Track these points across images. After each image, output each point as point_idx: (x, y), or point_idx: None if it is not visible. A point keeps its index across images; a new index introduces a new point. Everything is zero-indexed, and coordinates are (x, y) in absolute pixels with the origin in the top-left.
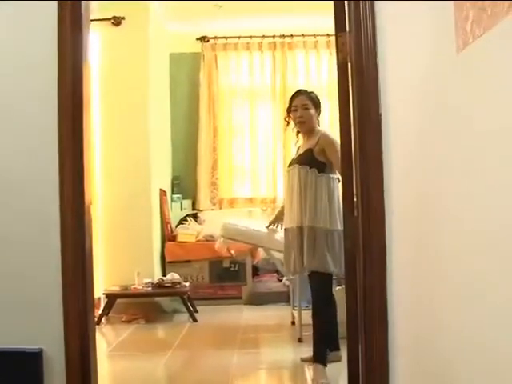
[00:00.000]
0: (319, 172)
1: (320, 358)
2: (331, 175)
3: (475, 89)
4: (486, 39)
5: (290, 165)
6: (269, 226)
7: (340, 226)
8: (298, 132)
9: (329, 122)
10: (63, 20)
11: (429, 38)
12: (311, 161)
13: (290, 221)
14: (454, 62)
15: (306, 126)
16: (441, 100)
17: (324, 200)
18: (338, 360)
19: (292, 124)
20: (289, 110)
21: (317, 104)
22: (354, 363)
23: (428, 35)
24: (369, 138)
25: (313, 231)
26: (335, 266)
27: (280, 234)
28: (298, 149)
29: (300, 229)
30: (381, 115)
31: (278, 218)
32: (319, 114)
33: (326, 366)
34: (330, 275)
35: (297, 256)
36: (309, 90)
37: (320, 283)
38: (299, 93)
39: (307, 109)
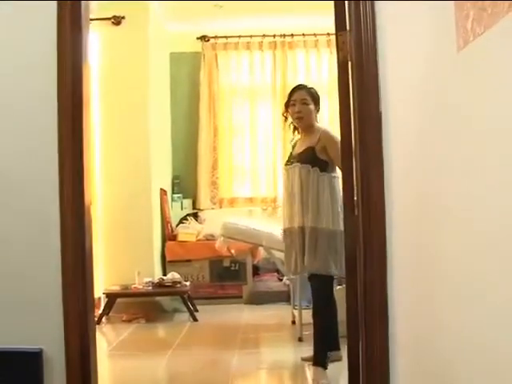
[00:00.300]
0: (321, 171)
1: (320, 360)
2: (333, 174)
3: (476, 87)
4: (487, 38)
5: (288, 162)
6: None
7: (342, 226)
8: (295, 128)
9: (328, 121)
10: (63, 20)
11: (429, 36)
12: (313, 159)
13: (290, 221)
14: (455, 60)
15: (305, 122)
16: (441, 99)
17: (326, 200)
18: (339, 359)
19: (289, 120)
20: (287, 105)
21: (316, 100)
22: (355, 361)
23: (428, 34)
24: (369, 136)
25: (315, 232)
26: (336, 267)
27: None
28: (295, 145)
29: (301, 229)
30: (381, 114)
31: None
32: (318, 111)
33: (326, 368)
34: (331, 276)
35: (298, 256)
36: (309, 86)
37: (321, 284)
38: (298, 87)
39: (306, 104)
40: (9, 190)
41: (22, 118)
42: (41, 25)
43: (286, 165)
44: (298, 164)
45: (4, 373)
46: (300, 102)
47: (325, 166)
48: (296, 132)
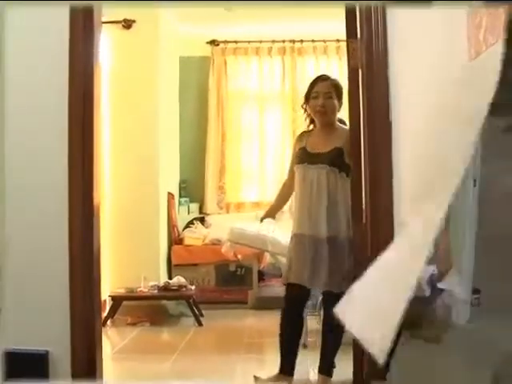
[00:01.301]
0: (347, 176)
1: (329, 369)
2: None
3: (486, 97)
4: (499, 46)
5: (305, 160)
6: (262, 220)
7: None
8: (312, 121)
9: None
10: (75, 22)
11: (440, 44)
12: (341, 163)
13: (311, 227)
14: (466, 69)
15: (327, 118)
16: (451, 107)
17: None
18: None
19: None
20: (307, 96)
21: (340, 94)
22: (359, 369)
23: (440, 42)
24: (379, 144)
25: (346, 243)
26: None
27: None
28: (302, 139)
29: (332, 239)
30: (391, 122)
31: (274, 212)
32: (341, 106)
33: (331, 376)
34: None
35: (324, 269)
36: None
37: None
38: (322, 78)
39: (330, 98)
40: (18, 191)
41: (33, 119)
42: (54, 26)
43: (301, 162)
44: (326, 166)
45: (10, 374)
46: (324, 96)
47: (348, 172)
48: (312, 125)
